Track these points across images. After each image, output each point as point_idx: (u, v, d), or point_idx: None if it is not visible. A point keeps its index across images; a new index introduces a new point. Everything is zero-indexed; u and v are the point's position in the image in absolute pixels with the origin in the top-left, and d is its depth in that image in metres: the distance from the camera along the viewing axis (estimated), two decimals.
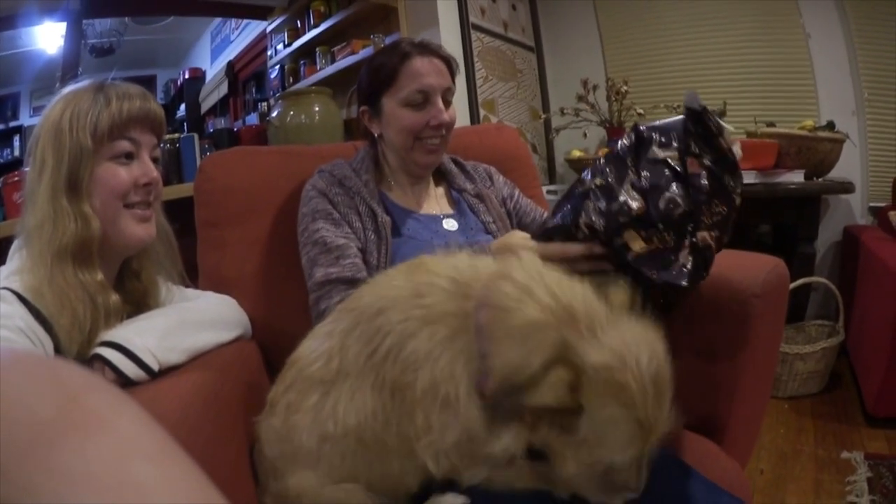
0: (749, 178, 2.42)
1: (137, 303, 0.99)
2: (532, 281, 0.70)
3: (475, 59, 2.84)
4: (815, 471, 1.98)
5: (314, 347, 0.84)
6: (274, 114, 2.27)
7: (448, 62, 1.26)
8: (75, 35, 3.83)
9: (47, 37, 4.26)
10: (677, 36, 3.22)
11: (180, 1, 3.79)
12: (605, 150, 2.57)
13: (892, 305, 2.07)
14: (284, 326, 1.25)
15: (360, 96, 1.29)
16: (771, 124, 2.69)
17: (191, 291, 1.15)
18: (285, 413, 0.83)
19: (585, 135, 2.98)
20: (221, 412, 0.89)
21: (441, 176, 1.38)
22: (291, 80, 3.55)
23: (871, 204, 2.93)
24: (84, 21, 4.05)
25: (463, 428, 0.68)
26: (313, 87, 2.33)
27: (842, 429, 2.25)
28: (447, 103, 1.24)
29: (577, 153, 3.07)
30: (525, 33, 3.36)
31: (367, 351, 0.76)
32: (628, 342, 0.65)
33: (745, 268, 1.19)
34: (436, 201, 1.34)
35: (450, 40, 2.68)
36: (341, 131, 2.34)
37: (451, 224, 1.27)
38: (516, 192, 1.46)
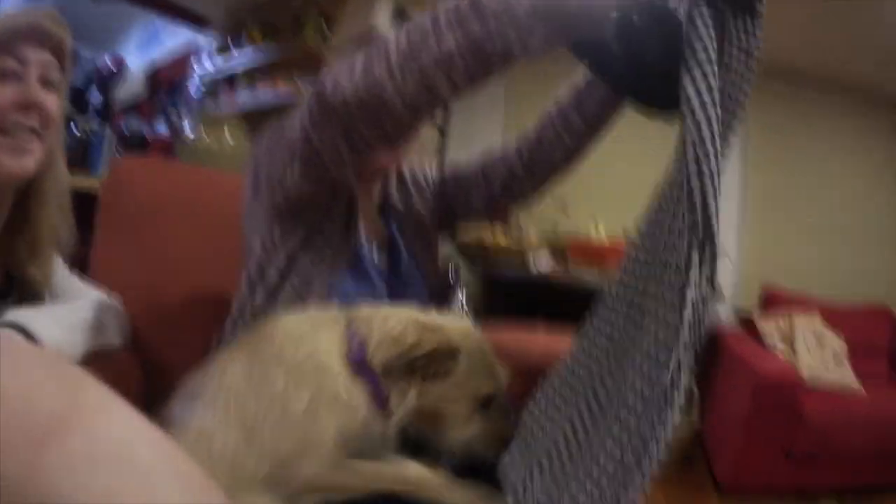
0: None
1: (22, 261, 0.91)
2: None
3: None
4: None
5: None
6: (188, 131, 2.23)
7: None
8: None
9: None
10: None
11: None
12: None
13: (750, 398, 2.51)
14: (162, 343, 1.25)
15: None
16: None
17: (77, 282, 1.06)
18: None
19: None
20: None
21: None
22: (209, 99, 3.48)
23: (739, 311, 3.24)
24: None
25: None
26: (233, 117, 2.31)
27: (693, 498, 2.54)
28: None
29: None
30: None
31: (254, 338, 0.84)
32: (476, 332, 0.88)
33: None
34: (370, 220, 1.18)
35: None
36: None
37: (377, 255, 1.15)
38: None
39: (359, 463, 0.76)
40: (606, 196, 3.29)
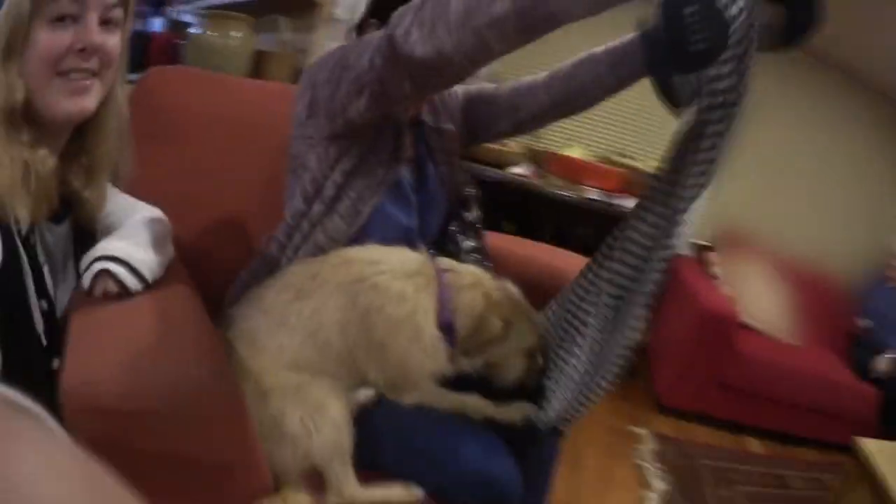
0: (592, 194, 2.81)
1: (79, 185, 0.93)
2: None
3: None
4: (607, 436, 2.44)
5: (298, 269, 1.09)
6: (193, 29, 2.20)
7: None
8: None
9: None
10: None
11: None
12: None
13: (692, 327, 2.75)
14: (206, 248, 1.32)
15: (372, 5, 1.23)
16: (629, 157, 3.10)
17: (124, 199, 1.10)
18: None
19: None
20: (200, 317, 1.00)
21: None
22: None
23: (694, 240, 3.42)
24: None
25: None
26: (242, 14, 2.24)
27: (634, 409, 2.76)
28: None
29: None
30: None
31: (347, 278, 1.03)
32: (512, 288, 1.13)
33: (576, 265, 1.51)
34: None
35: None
36: (248, 64, 2.30)
37: (407, 172, 1.25)
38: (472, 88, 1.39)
39: (446, 392, 1.08)
40: (585, 121, 3.42)
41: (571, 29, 0.81)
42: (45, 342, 0.84)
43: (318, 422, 0.99)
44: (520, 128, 1.35)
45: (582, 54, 1.22)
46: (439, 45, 0.83)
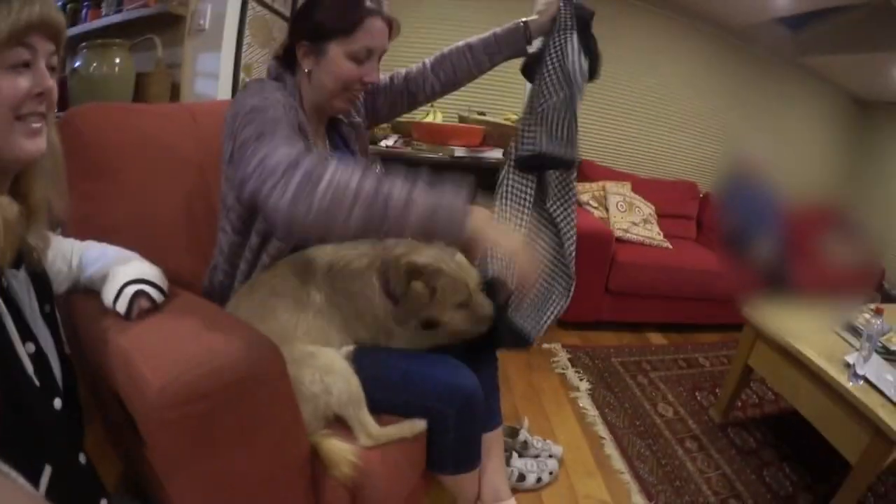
0: (460, 152, 3.04)
1: (23, 231, 0.91)
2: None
3: (247, 27, 2.97)
4: (524, 358, 2.71)
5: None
6: (77, 63, 2.20)
7: (391, 26, 1.34)
8: None
9: None
10: (412, 33, 3.54)
11: None
12: None
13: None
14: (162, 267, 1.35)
15: (306, 30, 1.30)
16: (482, 113, 3.36)
17: (63, 240, 1.14)
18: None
19: None
20: (215, 306, 1.16)
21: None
22: (70, 21, 3.03)
23: None
24: None
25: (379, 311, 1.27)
26: (117, 40, 2.25)
27: None
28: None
29: None
30: (285, 4, 3.54)
31: (327, 266, 1.25)
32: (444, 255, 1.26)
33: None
34: (320, 139, 1.43)
35: (233, 8, 2.74)
36: (132, 87, 2.30)
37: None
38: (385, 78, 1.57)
39: (419, 334, 1.31)
40: None
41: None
42: (37, 384, 0.84)
43: (330, 380, 1.16)
44: (415, 107, 1.64)
45: (459, 43, 1.56)
46: (296, 216, 0.99)
